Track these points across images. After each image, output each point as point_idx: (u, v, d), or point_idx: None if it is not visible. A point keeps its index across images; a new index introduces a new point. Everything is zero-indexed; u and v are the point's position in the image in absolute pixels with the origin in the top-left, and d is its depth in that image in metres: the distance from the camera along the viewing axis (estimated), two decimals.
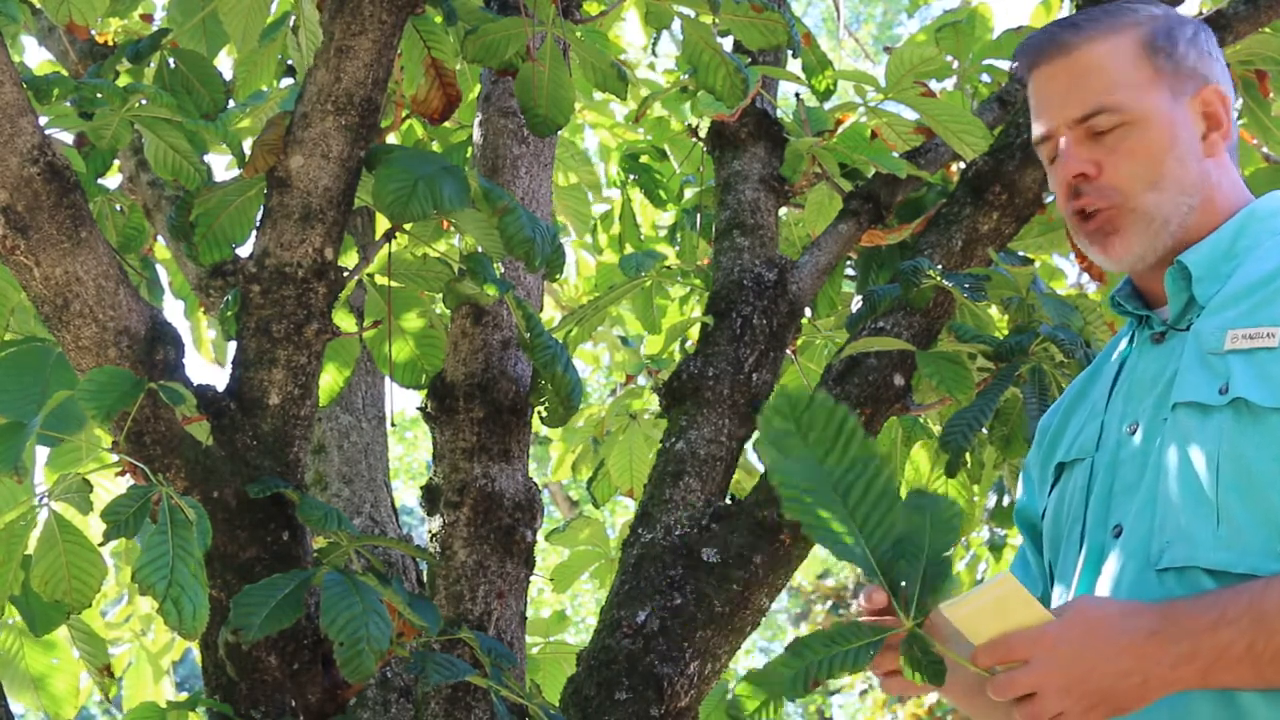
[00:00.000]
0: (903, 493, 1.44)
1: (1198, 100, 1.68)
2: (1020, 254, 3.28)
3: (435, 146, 3.94)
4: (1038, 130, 1.72)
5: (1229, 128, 1.69)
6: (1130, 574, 1.58)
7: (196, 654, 2.47)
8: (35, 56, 23.28)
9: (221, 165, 9.50)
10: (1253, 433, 1.52)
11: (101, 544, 2.11)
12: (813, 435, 1.42)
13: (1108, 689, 1.46)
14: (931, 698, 8.90)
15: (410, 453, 14.73)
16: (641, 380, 4.67)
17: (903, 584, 1.46)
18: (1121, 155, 1.66)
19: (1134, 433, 1.64)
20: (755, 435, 1.42)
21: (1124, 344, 1.76)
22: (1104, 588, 1.60)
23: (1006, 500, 3.86)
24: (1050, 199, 3.06)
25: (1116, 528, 1.62)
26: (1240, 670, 1.45)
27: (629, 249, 4.23)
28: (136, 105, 2.70)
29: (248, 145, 3.01)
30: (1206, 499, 1.54)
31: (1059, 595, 1.71)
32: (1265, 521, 1.51)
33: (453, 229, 3.19)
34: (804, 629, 15.27)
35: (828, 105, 3.62)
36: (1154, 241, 1.67)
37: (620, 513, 11.99)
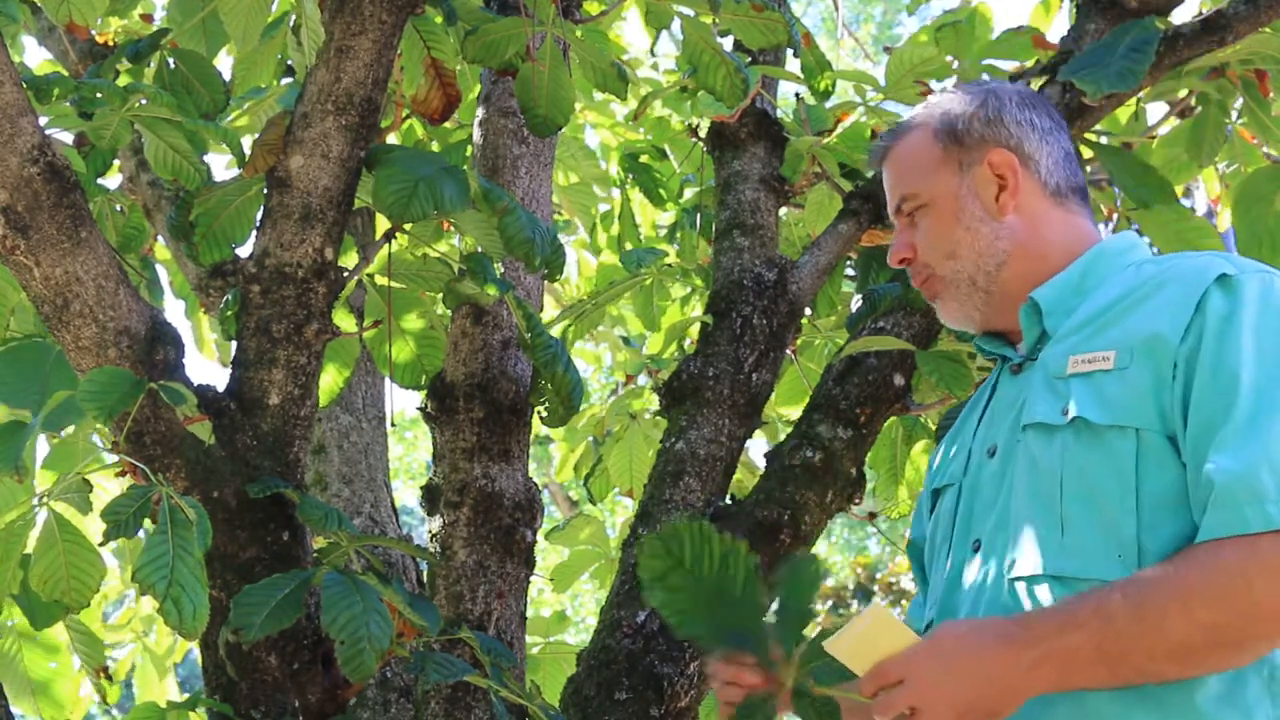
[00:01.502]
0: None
1: (985, 166, 1.85)
2: None
3: (435, 146, 3.94)
4: None
5: (1017, 184, 1.84)
6: (986, 584, 1.69)
7: (197, 654, 2.47)
8: (35, 56, 23.29)
9: (221, 165, 9.51)
10: (1092, 449, 1.65)
11: (102, 544, 2.11)
12: (688, 557, 1.61)
13: (975, 695, 1.57)
14: None
15: (410, 453, 14.73)
16: (641, 380, 4.67)
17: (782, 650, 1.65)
18: (924, 235, 1.88)
19: (993, 455, 1.77)
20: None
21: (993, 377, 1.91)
22: (964, 599, 1.72)
23: None
24: None
25: (975, 542, 1.74)
26: (1096, 670, 1.55)
27: (629, 249, 4.22)
28: (136, 105, 2.70)
29: (248, 145, 3.01)
30: (1053, 511, 1.65)
31: (929, 611, 1.82)
32: (1105, 531, 1.62)
33: (453, 229, 3.19)
34: None
35: (828, 105, 3.62)
36: (968, 301, 1.86)
37: (620, 512, 11.99)
